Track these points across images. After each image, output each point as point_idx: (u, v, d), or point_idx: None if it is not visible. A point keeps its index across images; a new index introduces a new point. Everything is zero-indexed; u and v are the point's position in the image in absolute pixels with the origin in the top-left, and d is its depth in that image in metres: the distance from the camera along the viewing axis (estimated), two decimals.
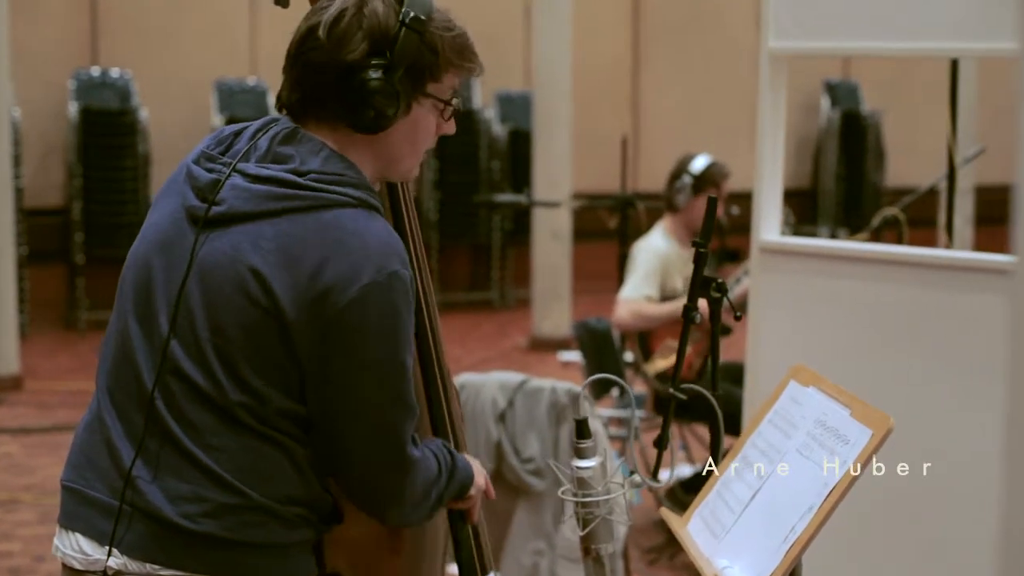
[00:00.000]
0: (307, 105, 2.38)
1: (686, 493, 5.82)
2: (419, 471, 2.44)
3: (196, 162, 2.41)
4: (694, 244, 2.81)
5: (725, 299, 2.80)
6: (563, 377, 5.79)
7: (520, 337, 11.45)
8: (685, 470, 6.54)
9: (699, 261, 2.83)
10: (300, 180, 2.32)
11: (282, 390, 2.32)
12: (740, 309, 3.09)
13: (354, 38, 2.33)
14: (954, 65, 4.68)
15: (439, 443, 2.56)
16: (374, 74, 2.33)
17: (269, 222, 2.31)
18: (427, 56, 2.37)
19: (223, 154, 2.40)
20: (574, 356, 10.34)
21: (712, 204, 2.76)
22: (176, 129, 11.75)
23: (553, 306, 11.12)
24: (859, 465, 2.25)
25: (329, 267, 2.27)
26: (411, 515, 2.49)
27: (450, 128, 2.49)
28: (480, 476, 2.67)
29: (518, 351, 10.96)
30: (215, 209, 2.34)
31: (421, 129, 2.44)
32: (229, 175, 2.35)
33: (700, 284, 2.84)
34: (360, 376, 2.31)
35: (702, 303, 2.86)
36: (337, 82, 2.34)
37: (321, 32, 2.34)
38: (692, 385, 2.79)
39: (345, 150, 2.38)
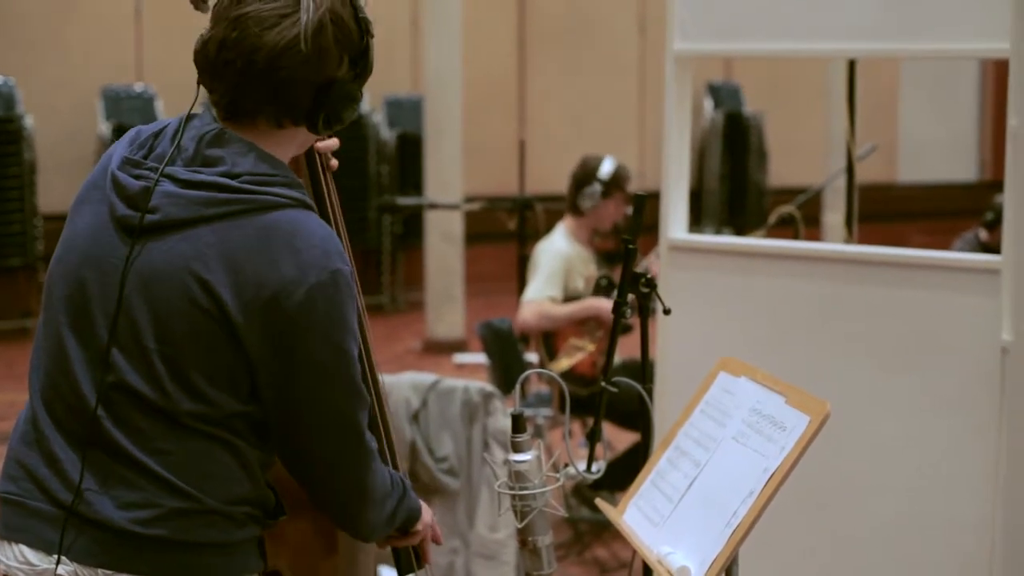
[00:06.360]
0: (269, 113, 2.36)
1: (592, 490, 5.89)
2: (377, 465, 2.47)
3: (121, 168, 2.36)
4: (623, 240, 2.87)
5: (655, 294, 2.86)
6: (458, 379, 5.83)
7: (413, 340, 11.48)
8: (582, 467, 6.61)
9: (628, 257, 2.89)
10: (233, 183, 2.31)
11: (233, 395, 2.33)
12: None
13: (334, 52, 2.34)
14: (851, 66, 4.81)
15: (392, 470, 2.60)
16: (353, 87, 2.38)
17: (208, 228, 2.30)
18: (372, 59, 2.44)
19: (146, 158, 2.36)
20: (470, 358, 10.42)
21: (640, 201, 2.83)
22: (62, 136, 11.61)
23: (446, 308, 11.16)
24: (799, 450, 2.33)
25: (273, 272, 2.28)
26: (376, 519, 2.51)
27: None
28: (427, 514, 2.70)
29: (412, 354, 10.98)
30: (150, 217, 2.31)
31: None
32: (158, 181, 2.31)
33: (630, 280, 2.90)
34: (314, 375, 2.33)
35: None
36: (315, 93, 2.35)
37: (304, 46, 2.31)
38: (625, 379, 2.85)
39: (269, 145, 2.38)
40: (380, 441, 2.65)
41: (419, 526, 2.67)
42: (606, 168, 6.20)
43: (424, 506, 2.70)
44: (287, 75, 2.32)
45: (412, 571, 2.80)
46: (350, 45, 2.37)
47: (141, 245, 2.32)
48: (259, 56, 2.31)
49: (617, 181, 6.20)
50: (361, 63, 2.39)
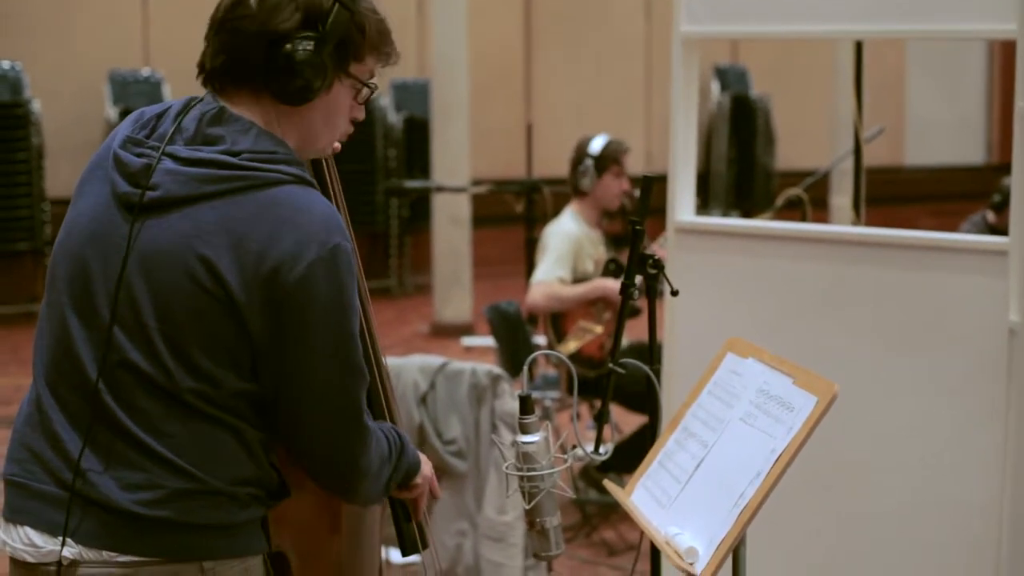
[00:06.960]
0: (230, 72, 2.38)
1: (600, 471, 5.90)
2: (375, 440, 2.47)
3: (123, 147, 2.37)
4: (630, 221, 2.87)
5: (663, 276, 2.86)
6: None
7: (421, 323, 11.48)
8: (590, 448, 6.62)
9: (635, 239, 2.88)
10: (234, 160, 2.32)
11: (235, 372, 2.33)
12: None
13: (287, 8, 2.35)
14: (858, 48, 4.80)
15: (388, 426, 2.60)
16: (305, 45, 2.35)
17: (208, 205, 2.30)
18: (355, 35, 2.40)
19: (148, 137, 2.38)
20: (477, 341, 10.40)
21: (648, 183, 2.82)
22: (69, 121, 11.62)
23: (454, 292, 11.17)
24: (806, 430, 2.33)
25: (274, 247, 2.28)
26: (373, 489, 2.52)
27: (360, 113, 2.51)
28: (427, 467, 2.70)
29: (419, 337, 10.99)
30: (150, 194, 2.32)
31: (339, 107, 2.46)
32: (160, 159, 2.32)
33: (637, 261, 2.90)
34: (314, 351, 2.33)
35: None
36: (266, 50, 2.35)
37: (252, 1, 2.35)
38: (633, 360, 2.85)
39: (270, 126, 2.39)
40: (383, 419, 2.65)
41: (418, 479, 2.67)
42: (596, 144, 6.25)
43: (424, 459, 2.70)
44: (236, 26, 2.36)
45: (416, 551, 2.80)
46: (309, 5, 2.36)
47: (141, 223, 2.33)
48: (218, 13, 2.38)
49: (610, 155, 6.24)
50: (323, 24, 2.36)
